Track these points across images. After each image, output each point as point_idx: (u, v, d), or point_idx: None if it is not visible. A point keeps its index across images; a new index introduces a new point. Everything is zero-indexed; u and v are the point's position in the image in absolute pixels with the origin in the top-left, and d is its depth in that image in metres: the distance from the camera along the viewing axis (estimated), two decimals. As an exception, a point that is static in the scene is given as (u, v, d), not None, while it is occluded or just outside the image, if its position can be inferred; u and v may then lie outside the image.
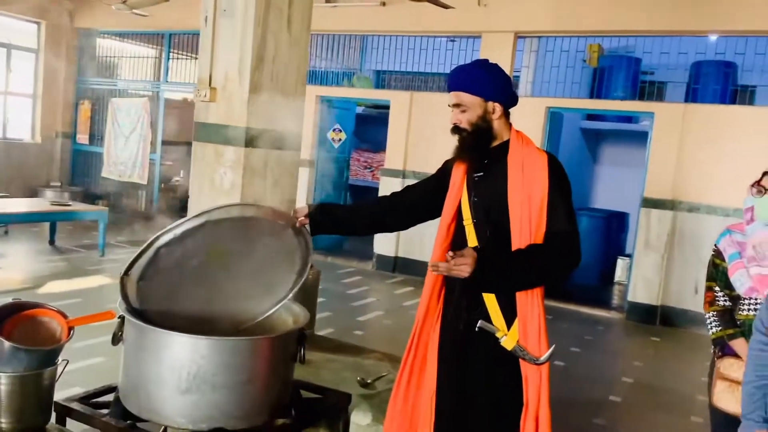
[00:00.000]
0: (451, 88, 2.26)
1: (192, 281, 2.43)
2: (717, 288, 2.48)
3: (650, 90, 7.88)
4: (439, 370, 2.31)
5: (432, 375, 2.32)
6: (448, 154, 2.42)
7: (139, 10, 8.47)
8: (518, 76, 7.96)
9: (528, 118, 6.94)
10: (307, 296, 3.37)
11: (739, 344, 2.37)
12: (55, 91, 10.91)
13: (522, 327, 2.15)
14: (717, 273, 2.48)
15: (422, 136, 8.06)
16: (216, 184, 3.52)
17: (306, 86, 3.86)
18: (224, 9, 3.45)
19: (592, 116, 9.56)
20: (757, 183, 2.32)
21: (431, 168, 2.59)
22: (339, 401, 2.79)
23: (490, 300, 2.18)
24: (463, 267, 2.03)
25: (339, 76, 10.05)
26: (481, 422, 2.22)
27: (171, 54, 10.34)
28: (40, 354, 2.16)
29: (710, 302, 2.50)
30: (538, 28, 7.46)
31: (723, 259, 2.45)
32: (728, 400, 2.34)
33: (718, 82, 7.54)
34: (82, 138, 11.10)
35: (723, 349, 2.43)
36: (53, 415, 2.32)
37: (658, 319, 6.91)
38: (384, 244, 8.37)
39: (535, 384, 2.15)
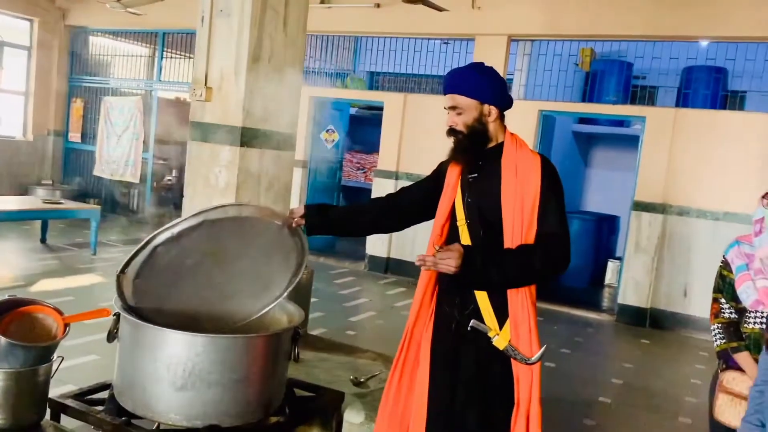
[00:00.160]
0: (446, 90, 2.28)
1: (188, 279, 2.45)
2: (723, 300, 2.43)
3: (642, 94, 7.96)
4: (432, 369, 2.32)
5: (424, 373, 2.34)
6: (441, 156, 2.45)
7: (133, 9, 8.45)
8: (511, 79, 8.01)
9: (520, 121, 6.99)
10: (300, 296, 3.39)
11: (743, 358, 2.32)
12: (48, 88, 10.87)
13: (513, 327, 2.17)
14: (724, 285, 2.43)
15: (415, 138, 8.09)
16: (211, 183, 3.54)
17: (302, 87, 3.88)
18: (221, 9, 3.48)
19: (584, 120, 9.62)
20: None
21: (424, 169, 2.60)
22: (332, 400, 2.81)
23: (483, 300, 2.20)
24: (449, 261, 2.05)
25: (332, 77, 10.07)
26: (472, 421, 2.24)
27: (164, 53, 10.33)
28: (36, 350, 2.17)
29: (715, 314, 2.45)
30: (532, 31, 7.51)
31: (731, 271, 2.40)
32: (730, 414, 2.31)
33: (708, 87, 7.63)
34: (74, 136, 11.06)
35: (727, 362, 2.39)
36: (48, 411, 2.33)
37: (647, 321, 6.97)
38: (376, 245, 8.39)
39: (526, 383, 2.17)
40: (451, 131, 2.27)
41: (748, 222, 6.90)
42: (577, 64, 8.49)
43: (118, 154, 10.23)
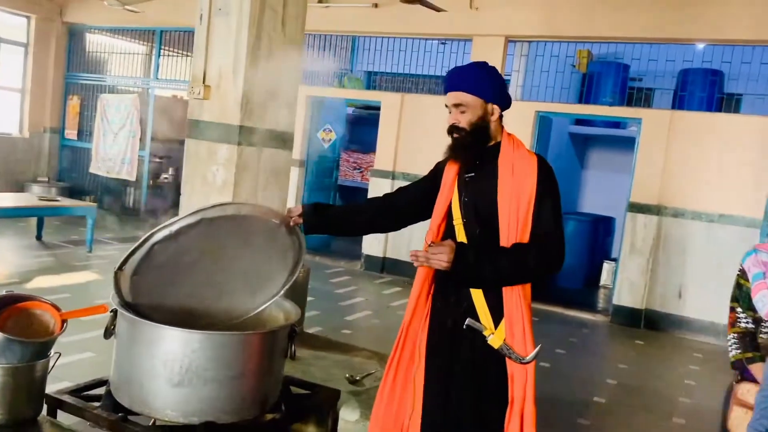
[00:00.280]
0: (450, 88, 2.27)
1: (185, 277, 2.46)
2: (739, 309, 2.39)
3: (638, 96, 7.98)
4: (427, 367, 2.33)
5: (420, 370, 2.35)
6: (438, 156, 2.46)
7: (131, 6, 8.45)
8: (508, 80, 8.02)
9: (517, 122, 7.00)
10: (296, 295, 3.40)
11: (757, 368, 2.27)
12: (44, 85, 10.84)
13: (508, 326, 2.18)
14: (741, 294, 2.39)
15: (412, 138, 8.11)
16: (208, 181, 3.54)
17: (299, 86, 3.89)
18: (219, 8, 3.48)
19: (580, 121, 9.65)
20: None
21: (421, 169, 2.61)
22: (328, 397, 2.83)
23: (479, 299, 2.21)
24: (441, 256, 2.06)
25: (330, 76, 10.07)
26: (467, 419, 2.25)
27: (162, 51, 10.32)
28: (34, 346, 2.18)
29: (732, 323, 2.40)
30: (529, 32, 7.53)
31: (747, 279, 2.36)
32: (744, 427, 2.23)
33: (704, 89, 7.66)
34: (71, 133, 11.04)
35: (742, 372, 2.34)
36: (45, 407, 2.34)
37: (642, 322, 6.99)
38: (372, 244, 8.40)
39: (520, 382, 2.18)
40: (454, 128, 2.26)
41: (743, 224, 6.96)
42: (574, 66, 8.51)
43: (115, 151, 10.22)
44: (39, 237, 7.85)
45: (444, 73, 9.01)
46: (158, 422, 2.32)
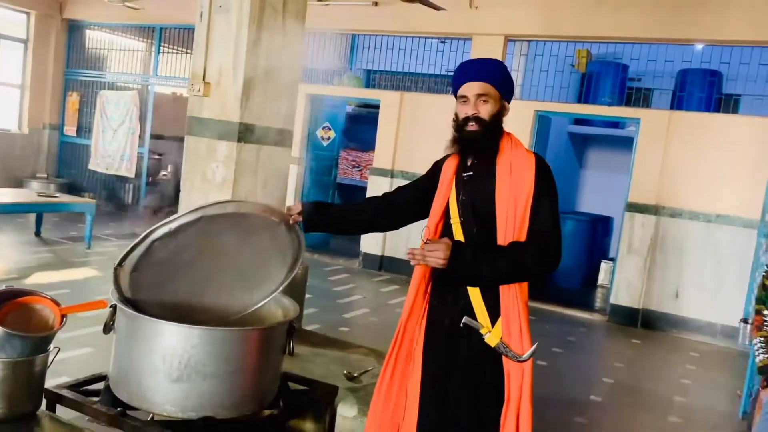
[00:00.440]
0: (475, 77, 2.24)
1: (184, 273, 2.47)
2: (766, 312, 2.33)
3: (637, 96, 8.00)
4: (424, 365, 2.34)
5: (416, 370, 2.35)
6: (437, 154, 2.47)
7: (130, 3, 8.45)
8: (508, 79, 8.01)
9: (516, 121, 7.02)
10: (294, 292, 3.41)
11: None
12: (44, 82, 10.84)
13: (505, 325, 2.19)
14: (766, 295, 2.33)
15: (411, 137, 8.12)
16: (208, 178, 3.55)
17: (299, 84, 3.90)
18: (219, 5, 3.49)
19: (579, 121, 9.67)
20: None
21: (420, 168, 2.62)
22: (326, 393, 2.84)
23: (476, 297, 2.22)
24: (438, 254, 2.06)
25: (329, 74, 10.07)
26: (463, 417, 2.26)
27: (161, 48, 10.32)
28: (33, 340, 2.19)
29: (758, 327, 2.34)
30: (528, 32, 7.55)
31: None
32: None
33: (703, 90, 7.68)
34: (70, 130, 11.05)
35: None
36: (44, 401, 2.35)
37: (639, 321, 7.02)
38: (370, 242, 8.41)
39: (516, 380, 2.19)
40: (474, 119, 2.22)
41: (740, 224, 6.99)
42: (573, 65, 8.52)
43: (114, 148, 10.22)
44: (38, 233, 7.86)
45: (443, 72, 9.11)
46: (157, 417, 2.33)
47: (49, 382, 2.41)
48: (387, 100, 8.45)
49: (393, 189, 2.62)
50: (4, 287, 2.31)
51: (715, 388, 5.26)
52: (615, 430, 4.30)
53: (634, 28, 6.94)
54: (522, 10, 7.39)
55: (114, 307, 2.36)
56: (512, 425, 2.18)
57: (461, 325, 2.20)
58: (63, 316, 2.29)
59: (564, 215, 7.99)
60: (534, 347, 2.18)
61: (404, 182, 2.66)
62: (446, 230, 2.32)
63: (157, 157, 10.76)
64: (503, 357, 2.20)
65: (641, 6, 6.83)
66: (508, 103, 2.31)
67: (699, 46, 7.56)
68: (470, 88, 2.24)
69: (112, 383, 2.40)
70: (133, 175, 10.13)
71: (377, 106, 8.69)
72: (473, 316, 2.21)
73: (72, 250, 7.38)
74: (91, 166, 10.54)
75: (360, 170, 10.77)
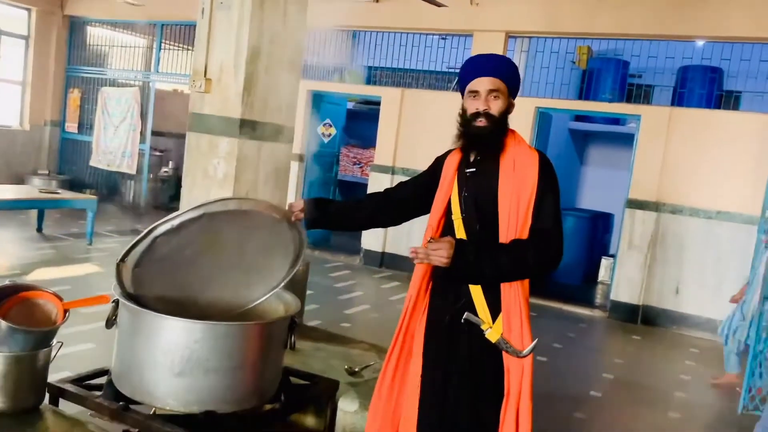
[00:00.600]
0: (488, 72, 2.24)
1: (187, 269, 2.48)
2: None
3: (637, 93, 8.00)
4: (424, 361, 2.34)
5: (417, 366, 2.36)
6: (438, 151, 2.47)
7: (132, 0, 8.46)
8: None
9: (517, 118, 6.97)
10: (296, 288, 3.43)
11: None
12: (45, 78, 10.85)
13: (506, 320, 2.19)
14: None
15: (412, 133, 8.12)
16: (209, 174, 3.57)
17: (300, 80, 3.91)
18: (221, 2, 3.50)
19: (580, 117, 9.66)
20: None
21: (421, 165, 2.62)
22: (327, 388, 2.85)
23: (476, 293, 2.22)
24: (441, 252, 2.06)
25: (330, 71, 10.07)
26: (463, 413, 2.26)
27: (162, 44, 10.32)
28: (36, 335, 2.21)
29: None
30: (529, 28, 7.55)
31: None
32: None
33: (703, 86, 7.67)
34: (71, 126, 11.06)
35: None
36: (47, 395, 2.37)
37: (639, 318, 7.03)
38: (371, 239, 8.43)
39: (516, 376, 2.19)
40: (484, 115, 2.22)
41: (741, 221, 6.99)
42: (574, 62, 8.51)
43: (115, 145, 10.23)
44: (39, 229, 7.88)
45: (444, 69, 9.10)
46: (159, 411, 2.34)
47: (52, 377, 2.43)
48: (388, 96, 8.45)
49: (394, 185, 2.63)
50: (7, 282, 2.33)
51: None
52: (615, 426, 4.32)
53: (634, 24, 6.94)
54: (523, 7, 7.39)
55: (116, 302, 2.38)
56: (512, 421, 2.18)
57: (462, 321, 2.20)
58: (66, 311, 2.31)
59: (565, 212, 7.99)
60: (534, 342, 2.19)
61: (405, 179, 2.67)
62: (448, 226, 2.32)
63: (158, 153, 10.77)
64: (503, 353, 2.20)
65: (642, 2, 6.83)
66: (514, 100, 2.32)
67: (700, 43, 7.56)
68: (482, 84, 2.23)
69: (114, 378, 2.41)
70: (134, 172, 10.14)
71: (378, 103, 8.69)
72: (474, 313, 2.22)
73: (73, 246, 7.40)
74: (92, 163, 10.56)
75: (361, 167, 10.77)
